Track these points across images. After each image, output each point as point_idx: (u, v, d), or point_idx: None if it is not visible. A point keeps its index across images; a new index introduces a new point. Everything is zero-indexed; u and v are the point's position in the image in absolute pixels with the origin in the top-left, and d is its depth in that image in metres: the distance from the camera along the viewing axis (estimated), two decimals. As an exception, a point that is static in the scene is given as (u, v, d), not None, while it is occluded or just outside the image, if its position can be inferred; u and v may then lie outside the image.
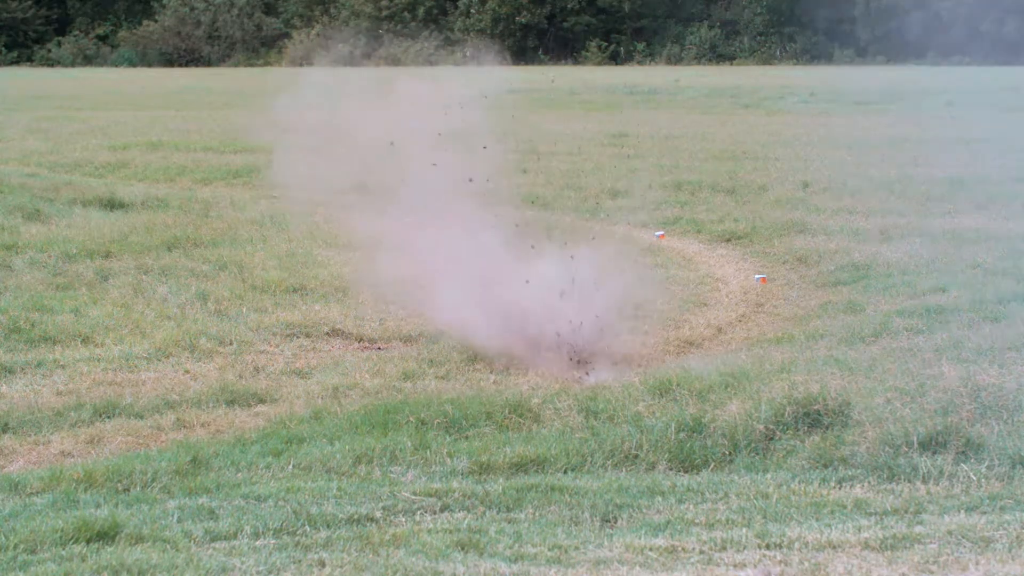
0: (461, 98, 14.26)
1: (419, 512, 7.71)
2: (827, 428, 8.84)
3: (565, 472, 8.50)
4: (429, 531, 7.35)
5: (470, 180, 12.85)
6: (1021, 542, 7.09)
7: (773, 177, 23.46)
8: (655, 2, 75.80)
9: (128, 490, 8.08)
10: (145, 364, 11.62)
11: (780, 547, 7.09)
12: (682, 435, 8.85)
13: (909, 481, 8.14)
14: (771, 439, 8.82)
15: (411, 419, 9.39)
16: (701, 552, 7.05)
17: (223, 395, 10.60)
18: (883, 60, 67.70)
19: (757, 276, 15.36)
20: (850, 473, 8.31)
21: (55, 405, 10.27)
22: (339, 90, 15.49)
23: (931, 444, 8.46)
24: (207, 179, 24.59)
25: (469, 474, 8.45)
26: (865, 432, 8.68)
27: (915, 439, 8.47)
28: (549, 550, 7.07)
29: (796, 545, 7.11)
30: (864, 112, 39.17)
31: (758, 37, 74.60)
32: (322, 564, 6.84)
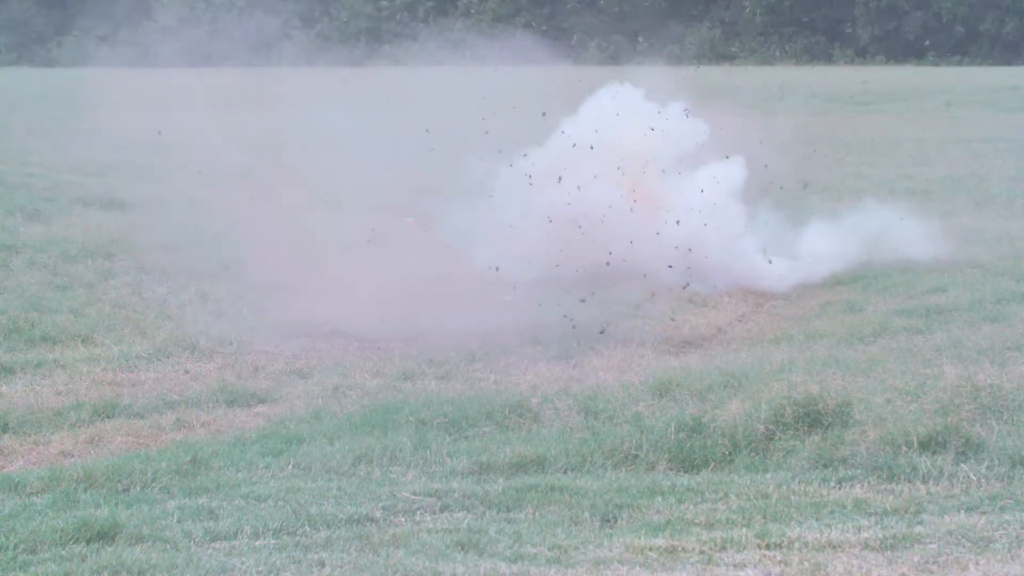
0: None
1: (419, 512, 7.71)
2: (827, 428, 8.84)
3: (565, 472, 8.50)
4: (429, 531, 7.35)
5: None
6: (1021, 542, 7.09)
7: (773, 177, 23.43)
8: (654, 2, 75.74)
9: (128, 490, 8.08)
10: (145, 364, 11.61)
11: (780, 547, 7.09)
12: (682, 435, 8.85)
13: (909, 481, 8.14)
14: (771, 439, 8.82)
15: (411, 419, 9.39)
16: (701, 552, 7.05)
17: (223, 395, 10.59)
18: (883, 60, 67.64)
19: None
20: (850, 473, 8.31)
21: (55, 405, 10.27)
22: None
23: (931, 444, 8.46)
24: (207, 179, 24.52)
25: (469, 474, 8.44)
26: (865, 432, 8.68)
27: (915, 439, 8.48)
28: (549, 550, 7.07)
29: (796, 545, 7.11)
30: (864, 112, 39.16)
31: (758, 37, 74.55)
32: (322, 564, 6.84)
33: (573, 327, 12.37)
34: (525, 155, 15.20)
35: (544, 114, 15.97)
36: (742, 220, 15.92)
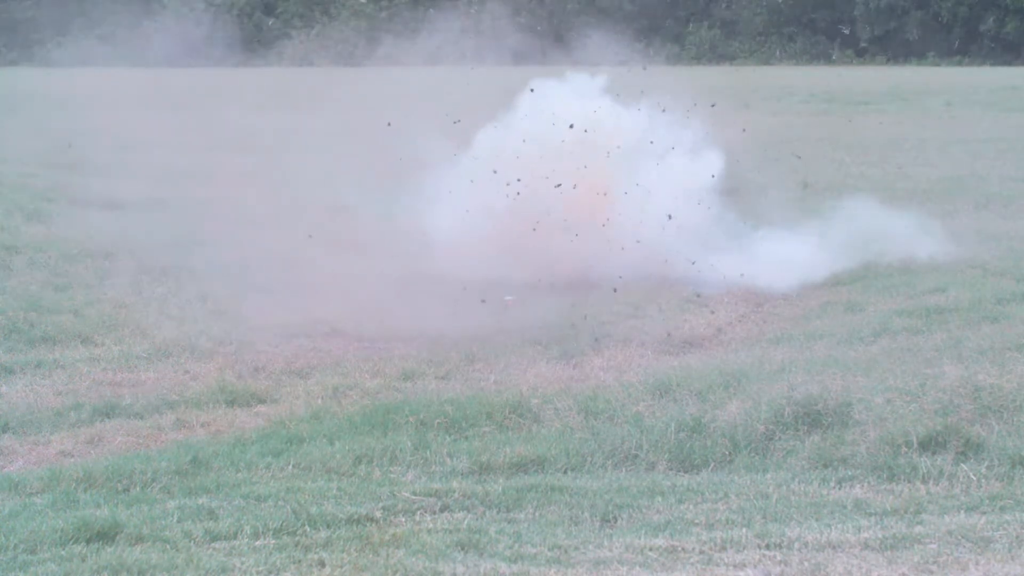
0: None
1: (419, 512, 7.71)
2: (827, 428, 8.84)
3: (565, 472, 8.50)
4: (429, 531, 7.35)
5: None
6: (1021, 542, 7.10)
7: (773, 177, 23.45)
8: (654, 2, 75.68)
9: (128, 490, 8.08)
10: (145, 364, 11.61)
11: (780, 547, 7.09)
12: (682, 435, 8.85)
13: (909, 481, 8.15)
14: (771, 439, 8.82)
15: (411, 419, 9.38)
16: (701, 552, 7.05)
17: (223, 395, 10.58)
18: (883, 60, 67.67)
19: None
20: (850, 473, 8.32)
21: (55, 405, 10.26)
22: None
23: (931, 444, 8.47)
24: (207, 179, 24.57)
25: (469, 474, 8.44)
26: (865, 432, 8.69)
27: (915, 439, 8.48)
28: (549, 550, 7.07)
29: (796, 545, 7.11)
30: (864, 112, 39.16)
31: (758, 37, 74.57)
32: (322, 564, 6.85)
33: (572, 350, 12.34)
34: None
35: (532, 90, 16.06)
36: (730, 221, 16.02)
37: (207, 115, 30.91)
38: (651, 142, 15.61)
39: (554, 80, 16.34)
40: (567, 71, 16.64)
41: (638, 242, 14.45)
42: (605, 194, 14.69)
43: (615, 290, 13.77)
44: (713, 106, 16.24)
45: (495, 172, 14.70)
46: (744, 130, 21.64)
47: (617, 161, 15.20)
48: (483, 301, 12.99)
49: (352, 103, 22.01)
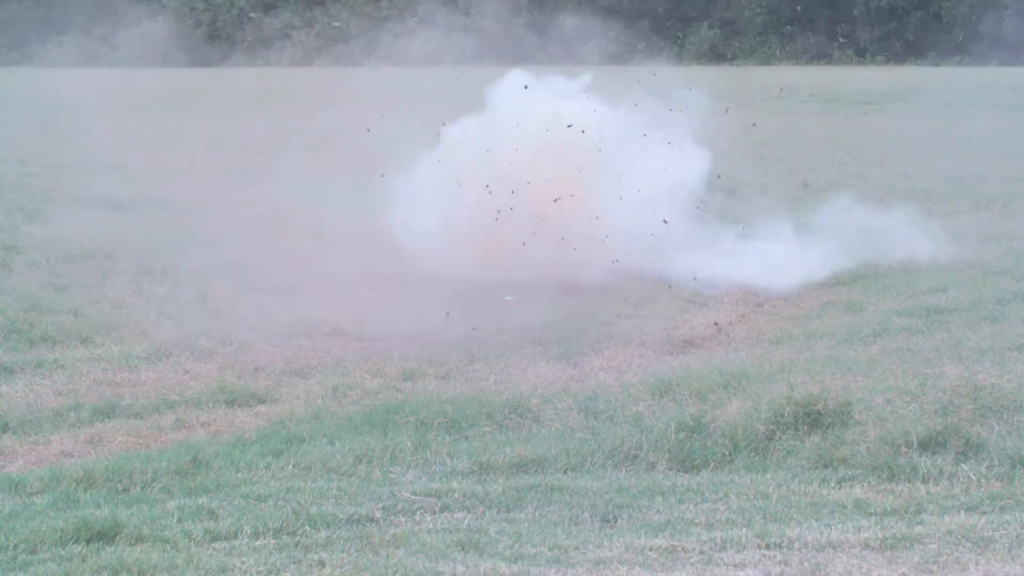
0: None
1: (419, 512, 7.71)
2: (827, 428, 8.84)
3: (565, 472, 8.50)
4: (429, 531, 7.35)
5: None
6: (1021, 542, 7.09)
7: (773, 177, 23.46)
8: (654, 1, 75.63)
9: (128, 490, 8.08)
10: (145, 364, 11.61)
11: (780, 547, 7.09)
12: (682, 435, 8.85)
13: (909, 481, 8.14)
14: (771, 439, 8.82)
15: (411, 419, 9.38)
16: (701, 552, 7.05)
17: (223, 395, 10.59)
18: (883, 60, 67.63)
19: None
20: (850, 473, 8.31)
21: (55, 405, 10.26)
22: None
23: (931, 444, 8.47)
24: (207, 179, 24.58)
25: (469, 474, 8.44)
26: (865, 432, 8.69)
27: (915, 439, 8.48)
28: (549, 550, 7.07)
29: (796, 545, 7.11)
30: (864, 112, 39.15)
31: (758, 37, 74.52)
32: (322, 564, 6.84)
33: (572, 350, 12.28)
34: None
35: (526, 87, 16.07)
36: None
37: (207, 115, 30.90)
38: (644, 135, 15.61)
39: (539, 79, 16.36)
40: (551, 71, 16.69)
41: (641, 267, 14.47)
42: (596, 214, 14.68)
43: (618, 316, 13.68)
44: (727, 111, 16.24)
45: (488, 187, 14.71)
46: (754, 124, 21.67)
47: (612, 162, 15.19)
48: (474, 329, 12.73)
49: (350, 103, 22.05)
